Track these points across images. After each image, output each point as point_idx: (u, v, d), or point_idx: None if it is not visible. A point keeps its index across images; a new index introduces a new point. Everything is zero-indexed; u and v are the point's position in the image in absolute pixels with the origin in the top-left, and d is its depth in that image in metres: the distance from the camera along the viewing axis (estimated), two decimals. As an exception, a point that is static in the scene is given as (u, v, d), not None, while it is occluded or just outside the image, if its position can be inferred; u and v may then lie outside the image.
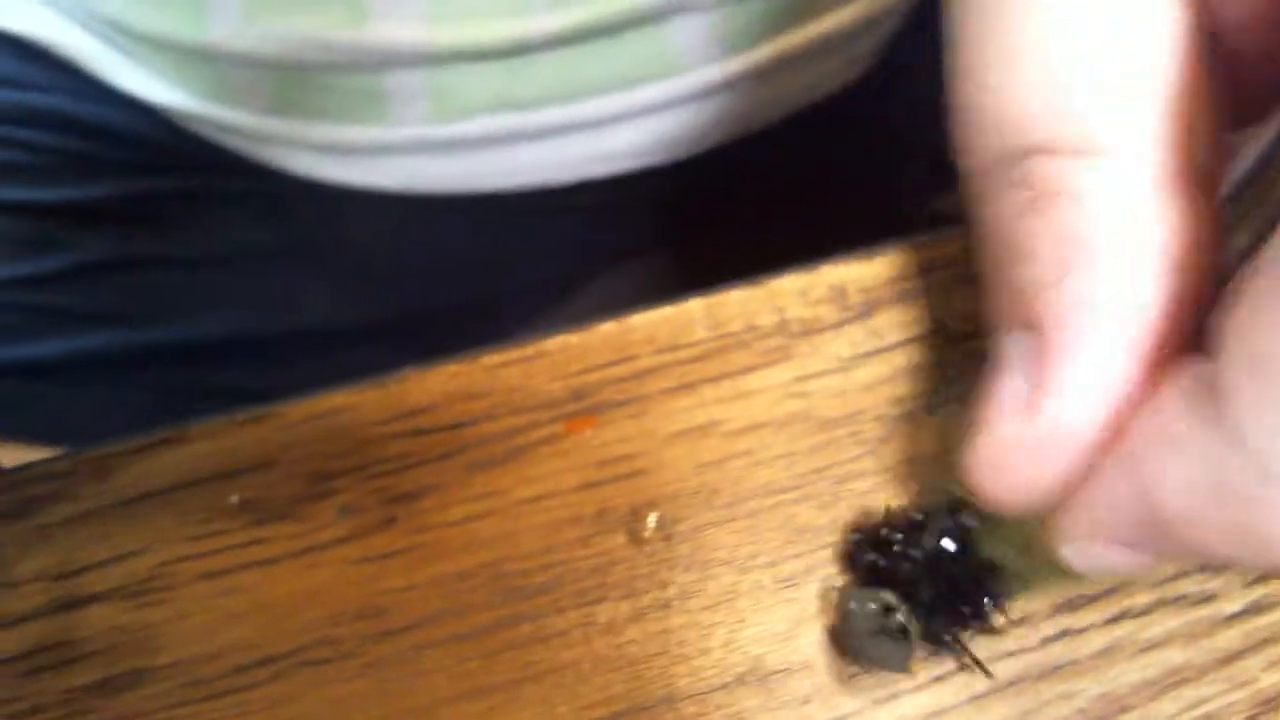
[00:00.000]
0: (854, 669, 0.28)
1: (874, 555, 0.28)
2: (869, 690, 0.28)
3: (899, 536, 0.28)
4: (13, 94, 0.47)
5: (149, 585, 0.28)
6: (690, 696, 0.27)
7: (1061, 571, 0.24)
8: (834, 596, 0.28)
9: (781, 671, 0.28)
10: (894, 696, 0.28)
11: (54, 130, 0.47)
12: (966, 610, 0.27)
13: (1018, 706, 0.28)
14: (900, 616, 0.26)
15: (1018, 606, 0.28)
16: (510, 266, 0.53)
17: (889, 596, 0.27)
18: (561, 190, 0.50)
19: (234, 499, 0.29)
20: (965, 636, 0.27)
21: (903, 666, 0.27)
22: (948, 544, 0.27)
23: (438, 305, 0.52)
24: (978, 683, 0.28)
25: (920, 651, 0.27)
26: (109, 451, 0.29)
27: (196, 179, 0.49)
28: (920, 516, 0.28)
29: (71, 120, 0.48)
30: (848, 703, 0.27)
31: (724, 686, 0.27)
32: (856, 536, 0.28)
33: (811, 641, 0.28)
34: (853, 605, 0.27)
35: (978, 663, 0.27)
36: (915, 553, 0.27)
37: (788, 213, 0.56)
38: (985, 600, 0.27)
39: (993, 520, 0.27)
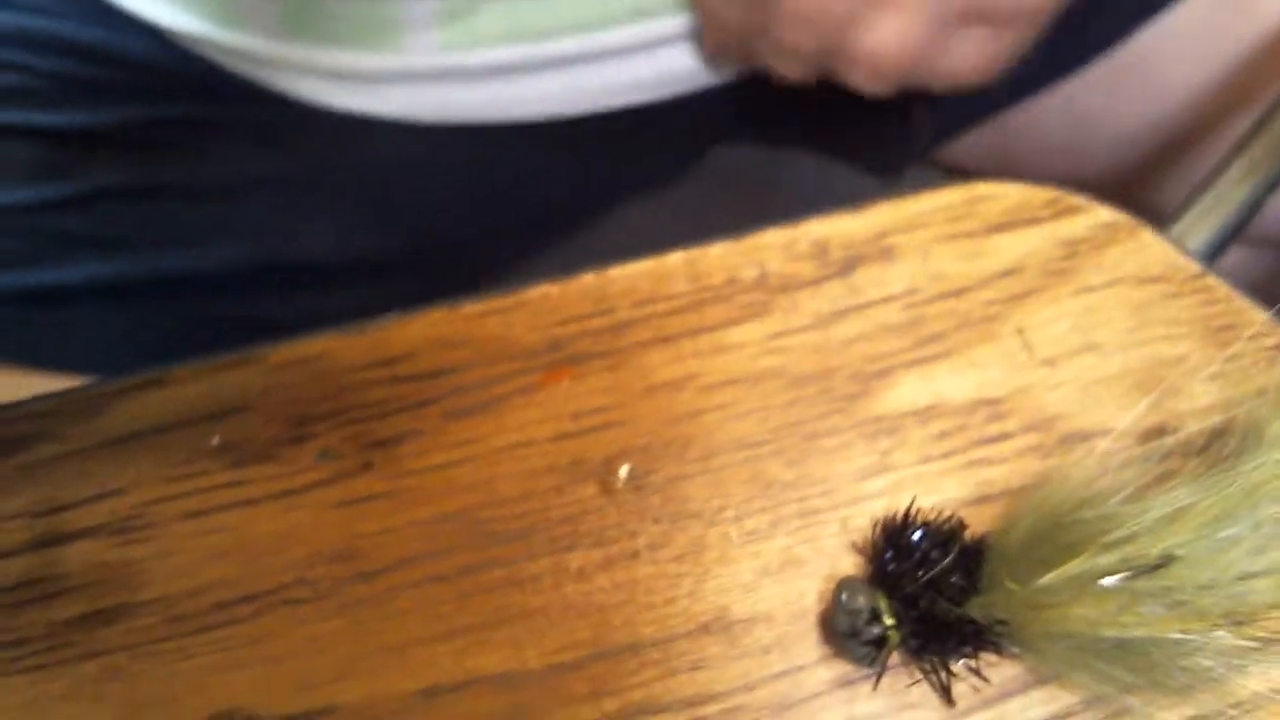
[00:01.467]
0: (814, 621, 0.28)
1: (892, 555, 0.27)
2: (827, 643, 0.28)
3: (920, 547, 0.27)
4: (17, 17, 0.47)
5: (132, 523, 0.29)
6: (655, 644, 0.28)
7: (1058, 652, 0.25)
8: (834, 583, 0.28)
9: (744, 621, 0.28)
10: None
11: (60, 55, 0.47)
12: (951, 643, 0.27)
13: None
14: (880, 629, 0.26)
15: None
16: (521, 198, 0.53)
17: (882, 603, 0.27)
18: (576, 121, 0.49)
19: (215, 440, 0.29)
20: (944, 662, 0.27)
21: (869, 666, 0.27)
22: (957, 579, 0.27)
23: (446, 238, 0.52)
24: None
25: (895, 658, 0.27)
26: (93, 392, 0.29)
27: (204, 106, 0.49)
28: (946, 530, 0.28)
29: (78, 45, 0.47)
30: (807, 653, 0.28)
31: (688, 634, 0.28)
32: (880, 532, 0.28)
33: (774, 593, 0.28)
34: (843, 598, 0.27)
35: (945, 690, 0.27)
36: (923, 573, 0.27)
37: (802, 146, 0.56)
38: (975, 645, 0.27)
39: (1002, 576, 0.26)
